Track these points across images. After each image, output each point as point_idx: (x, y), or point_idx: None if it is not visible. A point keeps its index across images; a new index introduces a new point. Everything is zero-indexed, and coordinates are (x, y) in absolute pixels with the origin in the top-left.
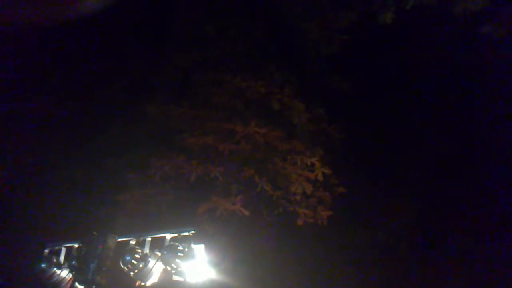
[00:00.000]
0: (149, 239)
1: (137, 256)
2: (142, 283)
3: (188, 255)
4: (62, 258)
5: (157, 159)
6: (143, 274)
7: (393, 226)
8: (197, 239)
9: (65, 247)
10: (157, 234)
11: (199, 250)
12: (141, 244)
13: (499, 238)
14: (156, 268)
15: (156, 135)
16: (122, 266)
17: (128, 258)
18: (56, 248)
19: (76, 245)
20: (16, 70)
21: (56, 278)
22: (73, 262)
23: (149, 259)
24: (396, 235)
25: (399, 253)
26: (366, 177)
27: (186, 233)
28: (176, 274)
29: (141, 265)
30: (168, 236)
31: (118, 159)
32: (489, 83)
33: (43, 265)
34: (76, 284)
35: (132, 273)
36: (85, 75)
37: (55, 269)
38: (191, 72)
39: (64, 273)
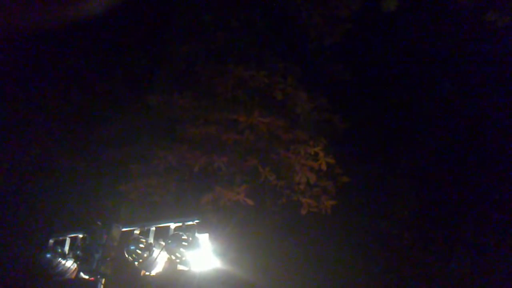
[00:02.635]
0: (153, 228)
1: (141, 245)
2: (147, 273)
3: (192, 244)
4: (66, 248)
5: (160, 150)
6: (148, 264)
7: (397, 215)
8: (201, 228)
9: (69, 237)
10: (161, 224)
11: (204, 239)
12: (145, 233)
13: (505, 227)
14: (160, 258)
15: (159, 125)
16: (126, 255)
17: (132, 247)
18: (61, 238)
19: (81, 235)
20: (19, 64)
21: (61, 268)
22: (78, 252)
23: (154, 248)
24: (400, 225)
25: (403, 243)
26: (370, 166)
27: (191, 223)
28: (180, 263)
29: (145, 255)
30: (172, 225)
31: (121, 150)
32: (494, 72)
33: (48, 255)
34: (81, 273)
35: (136, 263)
36: (87, 66)
37: (60, 259)
38: (193, 62)
39: (69, 263)
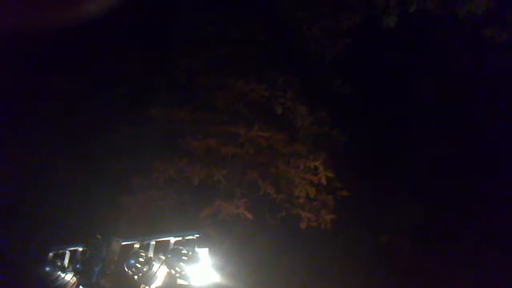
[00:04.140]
0: (153, 242)
1: (141, 259)
2: (146, 287)
3: (192, 258)
4: (66, 261)
5: (160, 163)
6: (147, 278)
7: (396, 228)
8: (201, 242)
9: (69, 250)
10: (161, 238)
11: (203, 253)
12: (145, 247)
13: (505, 239)
14: (160, 272)
15: (159, 138)
16: (126, 269)
17: (132, 261)
18: (60, 251)
19: (80, 249)
20: (21, 74)
21: (60, 282)
22: (78, 266)
23: (153, 262)
24: (400, 238)
25: (403, 256)
26: (369, 180)
27: (190, 237)
28: (180, 277)
29: (145, 269)
30: (172, 239)
31: (121, 163)
32: (492, 87)
33: (47, 269)
34: (81, 287)
35: (136, 277)
36: (88, 79)
37: (59, 272)
38: (194, 75)
39: (69, 277)
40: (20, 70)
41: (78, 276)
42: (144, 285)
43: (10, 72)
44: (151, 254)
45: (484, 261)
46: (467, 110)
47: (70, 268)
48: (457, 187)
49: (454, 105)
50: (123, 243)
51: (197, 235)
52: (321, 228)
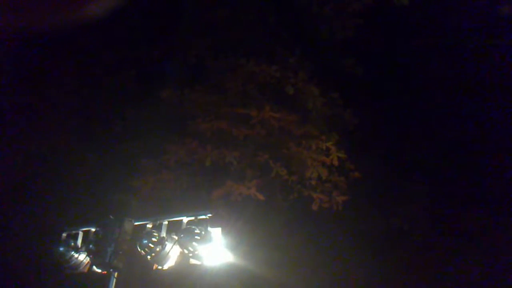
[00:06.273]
0: (165, 222)
1: (154, 239)
2: (159, 267)
3: (205, 238)
4: (79, 242)
5: (172, 145)
6: (160, 258)
7: (408, 211)
8: (213, 222)
9: (82, 231)
10: (173, 218)
11: (216, 233)
12: (157, 227)
13: None
14: (173, 252)
15: (170, 120)
16: (139, 249)
17: (145, 241)
18: (74, 232)
19: (93, 229)
20: (31, 59)
21: (74, 262)
22: (91, 246)
23: (166, 242)
24: (411, 221)
25: (414, 239)
26: (381, 162)
27: (203, 216)
28: (193, 257)
29: (158, 249)
30: (185, 219)
31: (132, 145)
32: (508, 67)
33: (61, 249)
34: (94, 267)
35: (149, 257)
36: (99, 62)
37: (73, 252)
38: (205, 57)
39: (82, 257)
40: (30, 56)
41: (91, 256)
42: (157, 265)
43: (22, 60)
44: (163, 234)
45: (495, 245)
46: (482, 91)
47: (83, 249)
48: (469, 170)
49: (469, 86)
50: (136, 223)
51: (210, 215)
52: (333, 209)
